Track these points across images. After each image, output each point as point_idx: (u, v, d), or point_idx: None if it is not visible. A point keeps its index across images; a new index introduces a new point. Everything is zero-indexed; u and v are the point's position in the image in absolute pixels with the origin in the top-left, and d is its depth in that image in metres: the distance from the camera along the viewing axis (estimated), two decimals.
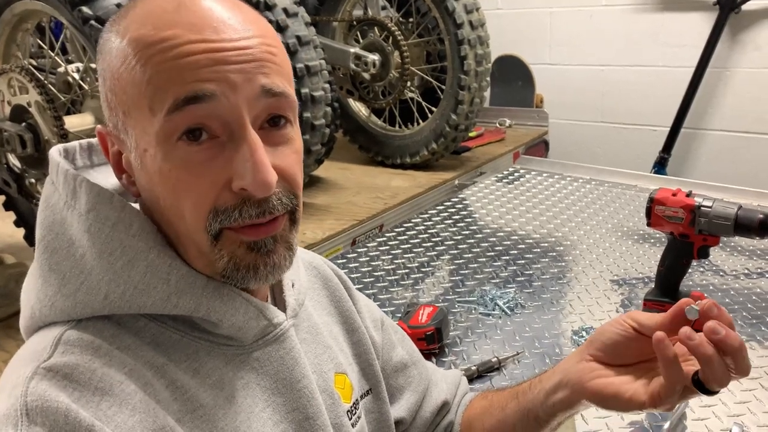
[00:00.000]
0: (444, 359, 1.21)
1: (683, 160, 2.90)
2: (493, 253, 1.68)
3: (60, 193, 0.56)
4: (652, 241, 1.69)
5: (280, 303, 0.65)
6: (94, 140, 0.62)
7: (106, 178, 0.59)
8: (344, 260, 1.68)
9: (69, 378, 0.49)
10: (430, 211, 2.03)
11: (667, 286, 1.23)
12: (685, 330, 0.56)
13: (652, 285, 1.32)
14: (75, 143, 0.61)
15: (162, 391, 0.53)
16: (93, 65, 1.41)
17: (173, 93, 0.50)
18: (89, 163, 0.62)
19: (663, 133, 2.83)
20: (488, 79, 2.31)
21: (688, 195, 1.18)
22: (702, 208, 1.15)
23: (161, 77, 0.50)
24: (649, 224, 1.22)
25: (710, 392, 0.57)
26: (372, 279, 1.56)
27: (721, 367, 0.55)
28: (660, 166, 2.82)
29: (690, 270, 1.31)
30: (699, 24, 2.72)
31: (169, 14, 0.51)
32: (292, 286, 0.67)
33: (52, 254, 0.55)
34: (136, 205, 0.59)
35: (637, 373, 0.63)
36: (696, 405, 1.03)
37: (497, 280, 1.52)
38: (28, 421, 0.45)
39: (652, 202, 1.20)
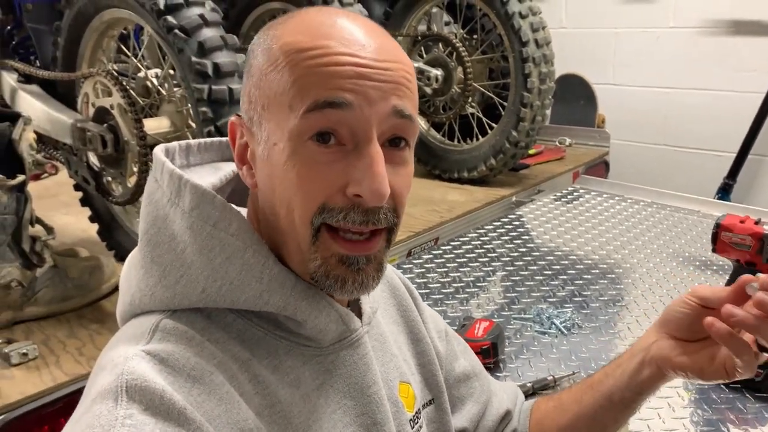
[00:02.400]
0: (499, 374, 1.21)
1: (749, 187, 2.82)
2: (549, 272, 1.67)
3: (164, 190, 0.60)
4: (714, 268, 1.66)
5: (354, 309, 0.67)
6: (192, 142, 0.67)
7: (201, 177, 0.63)
8: (399, 271, 1.70)
9: (165, 363, 0.52)
10: (486, 227, 2.03)
11: None
12: (726, 308, 0.62)
13: None
14: (175, 144, 0.65)
15: (245, 385, 0.56)
16: (171, 72, 1.47)
17: (314, 95, 0.54)
18: (186, 163, 0.66)
19: (728, 159, 2.76)
20: (551, 97, 2.30)
21: (757, 223, 1.16)
22: None
23: (307, 80, 0.54)
24: (714, 250, 1.20)
25: None
26: (426, 291, 1.58)
27: None
28: (724, 193, 2.75)
29: None
30: None
31: (325, 27, 0.56)
32: (368, 293, 0.69)
33: (154, 247, 0.59)
34: (241, 209, 0.62)
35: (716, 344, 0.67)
36: None
37: (554, 300, 1.51)
38: (128, 398, 0.49)
39: (718, 227, 1.18)
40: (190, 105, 1.38)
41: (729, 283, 1.23)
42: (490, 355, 1.20)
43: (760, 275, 0.63)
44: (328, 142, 0.55)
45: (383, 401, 0.65)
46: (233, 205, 0.59)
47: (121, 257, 1.67)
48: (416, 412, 0.72)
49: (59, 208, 2.11)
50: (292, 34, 0.56)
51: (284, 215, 0.57)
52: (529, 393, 1.14)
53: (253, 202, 0.63)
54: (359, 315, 0.67)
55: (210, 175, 0.66)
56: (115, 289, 1.54)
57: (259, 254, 0.58)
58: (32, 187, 1.46)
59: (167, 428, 0.48)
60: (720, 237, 1.18)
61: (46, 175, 2.55)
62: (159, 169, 0.61)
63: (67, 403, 1.17)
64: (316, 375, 0.61)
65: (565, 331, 1.35)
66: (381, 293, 0.77)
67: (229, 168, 0.69)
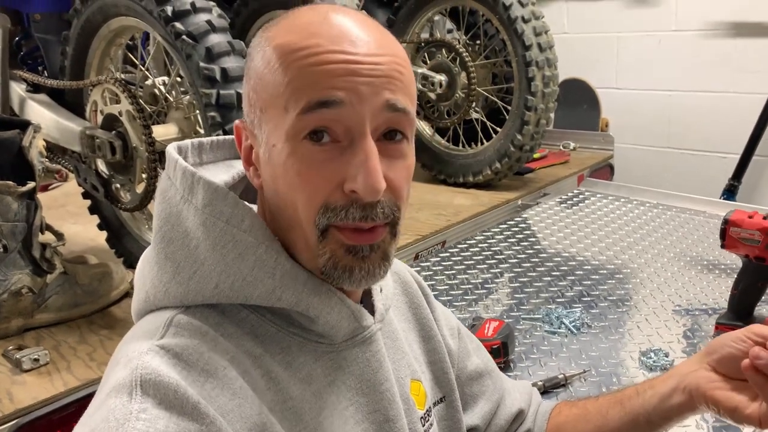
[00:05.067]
0: (509, 374, 1.21)
1: (754, 188, 2.81)
2: (557, 273, 1.67)
3: (177, 187, 0.60)
4: (722, 267, 1.66)
5: (368, 306, 0.67)
6: (204, 140, 0.67)
7: (215, 175, 0.64)
8: None
9: (179, 357, 0.52)
10: (492, 230, 2.04)
11: (740, 309, 1.21)
12: (754, 351, 0.61)
13: (720, 313, 1.30)
14: (187, 142, 0.66)
15: (258, 380, 0.56)
16: (179, 78, 1.49)
17: (308, 95, 0.54)
18: (198, 161, 0.66)
19: (733, 161, 2.76)
20: (555, 101, 2.31)
21: (766, 218, 1.16)
22: None
23: (299, 80, 0.55)
24: (723, 246, 1.20)
25: None
26: (434, 293, 1.57)
27: None
28: (729, 194, 2.74)
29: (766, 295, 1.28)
30: None
31: (314, 26, 0.56)
32: (380, 291, 0.70)
33: (168, 244, 0.59)
34: (254, 206, 0.63)
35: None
36: None
37: (562, 300, 1.51)
38: (142, 392, 0.49)
39: (726, 223, 1.19)
40: (198, 110, 1.40)
41: (738, 279, 1.23)
42: (501, 354, 1.20)
43: None
44: (322, 139, 0.55)
45: (395, 398, 0.65)
46: (246, 203, 0.60)
47: (130, 264, 1.68)
48: (427, 410, 0.72)
49: (67, 218, 2.12)
50: (284, 36, 0.57)
51: (290, 213, 0.58)
52: (541, 391, 1.14)
53: (261, 201, 0.63)
54: (372, 312, 0.66)
55: (223, 173, 0.67)
56: (125, 295, 1.55)
57: (271, 250, 0.58)
58: (40, 198, 1.47)
59: (181, 422, 0.48)
60: (728, 233, 1.19)
61: (54, 185, 2.57)
62: (172, 166, 0.61)
63: (78, 407, 1.18)
64: (328, 372, 0.61)
65: (575, 331, 1.35)
66: (393, 291, 0.76)
67: (241, 166, 0.70)
